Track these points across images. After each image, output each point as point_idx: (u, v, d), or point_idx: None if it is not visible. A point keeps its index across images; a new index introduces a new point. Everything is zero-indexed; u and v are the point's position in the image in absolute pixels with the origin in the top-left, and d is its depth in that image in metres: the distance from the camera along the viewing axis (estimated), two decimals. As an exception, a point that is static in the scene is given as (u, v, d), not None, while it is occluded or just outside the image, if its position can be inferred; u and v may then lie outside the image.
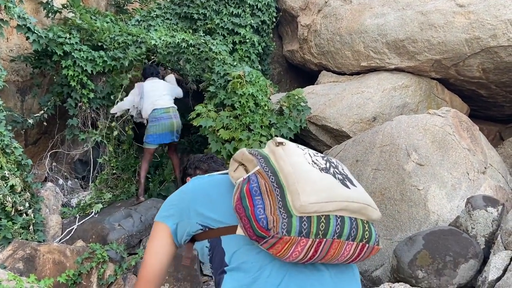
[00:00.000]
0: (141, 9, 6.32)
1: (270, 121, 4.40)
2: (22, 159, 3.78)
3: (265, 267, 1.07)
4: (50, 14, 4.87)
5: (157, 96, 4.52)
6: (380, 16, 4.66)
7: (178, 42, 4.83)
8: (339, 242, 1.06)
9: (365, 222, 1.12)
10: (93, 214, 4.12)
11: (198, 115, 4.37)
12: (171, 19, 5.94)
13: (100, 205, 4.17)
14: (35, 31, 4.26)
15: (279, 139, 1.13)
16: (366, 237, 1.10)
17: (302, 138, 5.09)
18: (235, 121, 4.31)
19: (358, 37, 4.85)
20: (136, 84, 4.74)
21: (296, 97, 4.68)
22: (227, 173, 1.27)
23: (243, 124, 4.28)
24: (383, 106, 4.43)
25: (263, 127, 4.31)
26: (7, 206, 3.45)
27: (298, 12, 6.14)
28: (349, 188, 1.10)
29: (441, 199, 3.14)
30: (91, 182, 4.96)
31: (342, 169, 1.18)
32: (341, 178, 1.11)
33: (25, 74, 4.81)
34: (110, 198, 4.29)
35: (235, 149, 4.13)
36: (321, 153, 4.45)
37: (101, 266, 3.21)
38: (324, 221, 1.03)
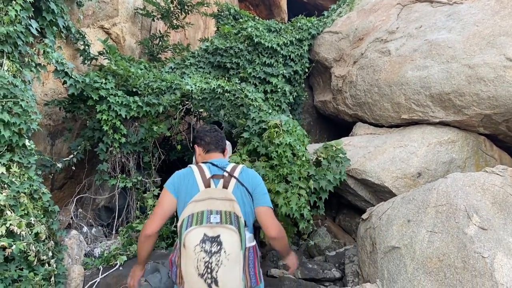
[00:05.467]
0: (174, 58, 6.38)
1: (308, 172, 4.15)
2: (49, 205, 3.58)
3: None
4: (86, 61, 4.90)
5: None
6: (423, 69, 4.50)
7: (214, 87, 4.75)
8: None
9: None
10: (117, 266, 3.85)
11: (233, 165, 4.19)
12: (204, 68, 5.94)
13: (125, 257, 3.89)
14: (72, 76, 4.24)
15: (187, 242, 1.82)
16: None
17: (339, 192, 4.80)
18: (271, 172, 4.08)
19: (399, 89, 4.68)
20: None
21: (334, 148, 4.46)
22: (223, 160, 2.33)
23: (280, 175, 4.05)
24: (428, 162, 4.16)
25: (301, 179, 4.06)
26: (30, 255, 3.21)
27: (332, 63, 6.06)
28: None
29: (509, 269, 2.78)
30: (115, 231, 4.73)
31: (219, 263, 1.80)
32: (209, 282, 1.76)
33: (57, 118, 4.75)
34: (136, 250, 4.00)
35: (272, 202, 3.88)
36: (364, 211, 4.31)
37: (127, 329, 2.90)
38: None
